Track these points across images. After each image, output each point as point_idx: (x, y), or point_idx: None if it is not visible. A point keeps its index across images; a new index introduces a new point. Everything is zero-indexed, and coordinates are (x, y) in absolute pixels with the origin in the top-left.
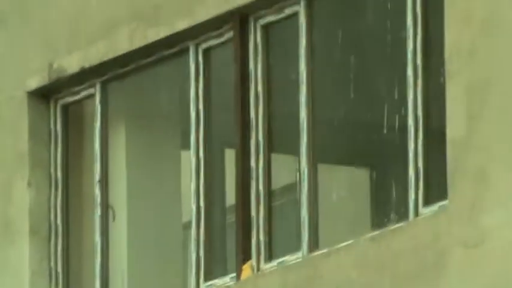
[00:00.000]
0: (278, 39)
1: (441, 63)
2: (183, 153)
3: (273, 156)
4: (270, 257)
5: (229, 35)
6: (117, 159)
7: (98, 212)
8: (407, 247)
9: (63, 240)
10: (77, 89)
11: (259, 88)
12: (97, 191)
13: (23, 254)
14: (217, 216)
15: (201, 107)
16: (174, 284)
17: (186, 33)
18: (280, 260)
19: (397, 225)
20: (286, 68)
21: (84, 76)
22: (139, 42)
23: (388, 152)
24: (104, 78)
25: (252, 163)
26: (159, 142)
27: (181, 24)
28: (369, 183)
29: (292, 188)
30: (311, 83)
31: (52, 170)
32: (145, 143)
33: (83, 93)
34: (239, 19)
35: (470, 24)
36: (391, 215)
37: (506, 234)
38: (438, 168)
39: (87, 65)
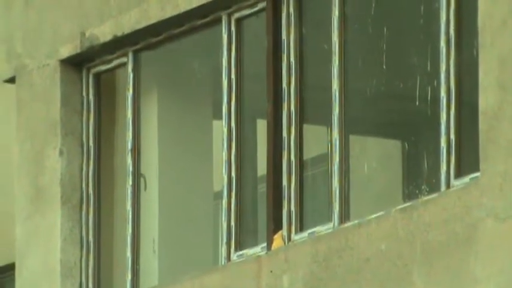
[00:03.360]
0: (311, 9)
1: (474, 34)
2: (215, 123)
3: (305, 126)
4: (301, 228)
5: (262, 4)
6: (149, 128)
7: (130, 181)
8: (438, 219)
9: (94, 209)
10: (109, 57)
11: (292, 58)
12: (129, 160)
13: (54, 222)
14: (248, 186)
15: (233, 76)
16: (205, 254)
17: (219, 3)
18: (311, 230)
19: (428, 197)
20: (318, 38)
21: (116, 45)
22: (171, 11)
23: (420, 124)
24: (137, 47)
25: (284, 133)
26: (191, 111)
27: None
28: (400, 155)
29: (323, 159)
30: (343, 53)
31: (84, 139)
32: (177, 112)
33: (115, 62)
34: None
35: None
36: (423, 186)
37: None
38: (470, 140)
39: (119, 33)
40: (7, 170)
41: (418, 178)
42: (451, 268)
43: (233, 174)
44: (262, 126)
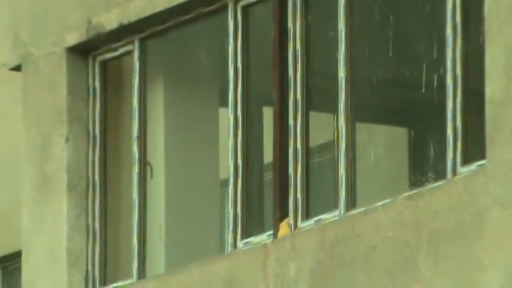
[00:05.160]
0: None
1: (480, 21)
2: (221, 111)
3: (311, 114)
4: (307, 215)
5: None
6: (155, 116)
7: (136, 168)
8: (445, 207)
9: (100, 197)
10: (115, 45)
11: (298, 46)
12: (135, 148)
13: (60, 209)
14: (254, 174)
15: (239, 64)
16: (211, 242)
17: None
18: (318, 218)
19: (434, 185)
20: (325, 26)
21: (122, 33)
22: None
23: (427, 111)
24: (143, 35)
25: (290, 121)
26: (198, 99)
27: None
28: (407, 142)
29: (330, 146)
30: (350, 41)
31: (90, 126)
32: (183, 100)
33: (122, 50)
34: None
35: None
36: (429, 174)
37: None
38: (476, 128)
39: (125, 21)
40: (14, 157)
41: (424, 165)
42: (458, 255)
43: (239, 162)
44: (268, 114)
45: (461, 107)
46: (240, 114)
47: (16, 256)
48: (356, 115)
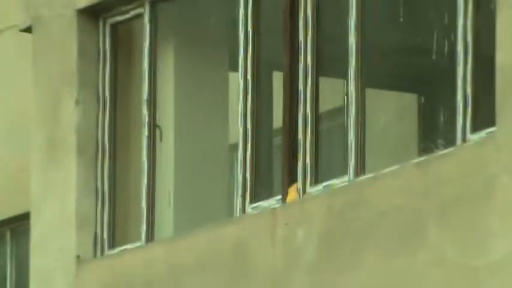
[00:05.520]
0: None
1: None
2: (231, 75)
3: (321, 79)
4: (316, 181)
5: None
6: (165, 79)
7: (145, 131)
8: (454, 173)
9: (110, 160)
10: (126, 8)
11: (309, 11)
12: (145, 111)
13: (69, 173)
14: (264, 138)
15: (250, 29)
16: (220, 206)
17: None
18: (326, 183)
19: (444, 151)
20: None
21: None
22: None
23: (437, 78)
24: None
25: (300, 86)
26: (208, 63)
27: None
28: (416, 109)
29: (339, 112)
30: (361, 6)
31: (100, 89)
32: (193, 64)
33: (132, 13)
34: None
35: None
36: (439, 140)
37: None
38: (487, 95)
39: None
40: (24, 119)
41: (434, 132)
42: (467, 222)
43: (249, 126)
44: (278, 79)
45: (471, 74)
46: (250, 79)
47: (25, 217)
48: (366, 81)
